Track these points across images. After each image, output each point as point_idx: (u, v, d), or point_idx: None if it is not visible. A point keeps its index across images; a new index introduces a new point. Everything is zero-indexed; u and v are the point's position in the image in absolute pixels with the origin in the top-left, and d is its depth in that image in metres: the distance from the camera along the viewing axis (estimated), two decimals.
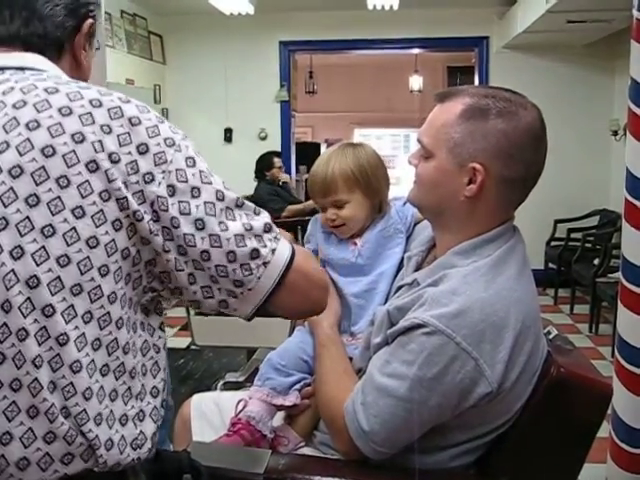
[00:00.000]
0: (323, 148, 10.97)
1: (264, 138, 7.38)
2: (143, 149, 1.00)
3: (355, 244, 1.66)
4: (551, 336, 1.52)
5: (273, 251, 1.07)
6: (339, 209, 1.64)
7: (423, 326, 1.26)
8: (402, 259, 1.60)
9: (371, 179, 1.64)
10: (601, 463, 2.88)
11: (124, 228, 0.99)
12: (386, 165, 1.74)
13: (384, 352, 1.35)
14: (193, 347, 4.28)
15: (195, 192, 1.02)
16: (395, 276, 1.60)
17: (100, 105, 1.01)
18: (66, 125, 0.97)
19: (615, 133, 6.37)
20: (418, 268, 1.49)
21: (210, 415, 1.75)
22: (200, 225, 1.02)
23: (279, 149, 7.13)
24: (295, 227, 5.82)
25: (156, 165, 1.00)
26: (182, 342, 4.72)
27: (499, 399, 1.28)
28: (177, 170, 1.02)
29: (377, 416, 1.30)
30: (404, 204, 1.67)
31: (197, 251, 1.02)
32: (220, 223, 1.03)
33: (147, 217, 0.99)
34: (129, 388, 1.04)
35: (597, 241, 5.94)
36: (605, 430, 2.73)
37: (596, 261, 5.39)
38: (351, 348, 1.56)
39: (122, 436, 1.03)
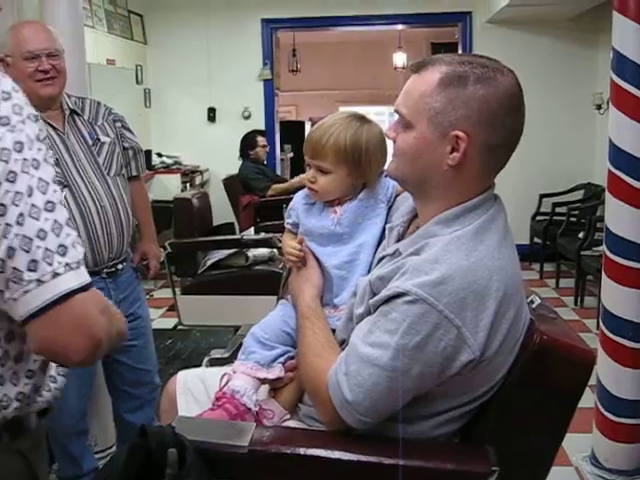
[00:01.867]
0: (307, 127, 10.94)
1: (248, 117, 7.33)
2: None
3: (335, 212, 1.65)
4: (534, 305, 1.52)
5: (55, 275, 0.95)
6: (320, 174, 1.63)
7: (405, 295, 1.25)
8: (384, 230, 1.60)
9: (362, 161, 1.62)
10: (587, 433, 2.92)
11: None
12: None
13: (366, 322, 1.35)
14: (180, 327, 4.28)
15: (10, 176, 0.95)
16: (377, 247, 1.60)
17: None
18: None
19: (599, 107, 6.37)
20: (400, 239, 1.49)
21: (195, 391, 1.74)
22: (0, 211, 0.94)
23: (263, 128, 7.10)
24: (280, 206, 5.81)
25: None
26: (169, 323, 4.71)
27: (482, 367, 1.28)
28: (2, 149, 0.95)
29: (360, 386, 1.30)
30: (385, 176, 1.66)
31: None
32: (19, 215, 0.94)
33: None
34: None
35: (582, 215, 5.96)
36: (590, 400, 2.76)
37: (581, 235, 5.42)
38: (334, 320, 1.56)
39: None
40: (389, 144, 1.50)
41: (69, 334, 0.97)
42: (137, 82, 6.93)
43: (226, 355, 2.01)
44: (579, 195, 6.68)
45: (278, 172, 7.50)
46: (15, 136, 0.97)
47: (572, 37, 6.81)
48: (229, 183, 6.23)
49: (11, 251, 0.94)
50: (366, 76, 11.41)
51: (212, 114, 7.36)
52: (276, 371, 1.60)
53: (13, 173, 0.95)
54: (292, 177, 7.54)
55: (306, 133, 10.63)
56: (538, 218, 6.74)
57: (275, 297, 3.64)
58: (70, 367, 1.20)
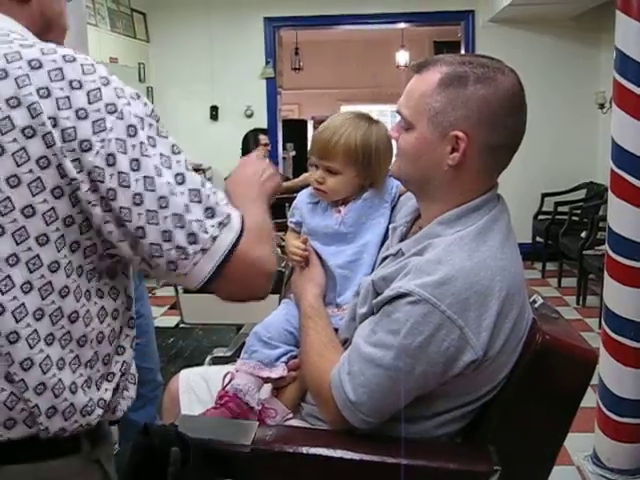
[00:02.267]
0: (310, 125, 10.93)
1: (250, 115, 7.34)
2: (82, 114, 0.95)
3: (339, 212, 1.65)
4: (537, 304, 1.52)
5: (214, 239, 1.01)
6: (329, 174, 1.63)
7: (408, 295, 1.26)
8: (387, 230, 1.60)
9: (372, 162, 1.62)
10: (589, 432, 2.92)
11: (66, 195, 0.96)
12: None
13: (369, 322, 1.35)
14: (182, 325, 4.28)
15: (134, 165, 0.97)
16: (380, 247, 1.60)
17: (40, 66, 0.95)
18: (1, 89, 0.93)
19: (602, 106, 6.37)
20: (403, 239, 1.49)
21: (198, 389, 1.75)
22: (138, 200, 0.97)
23: (266, 126, 7.10)
24: (282, 204, 5.80)
25: (94, 133, 0.95)
26: (171, 321, 4.71)
27: (484, 367, 1.28)
28: (116, 139, 0.96)
29: (363, 386, 1.30)
30: (389, 176, 1.66)
31: (133, 226, 0.98)
32: (160, 198, 0.98)
33: (85, 186, 0.96)
34: (77, 356, 1.02)
35: (584, 214, 5.96)
36: (592, 400, 2.76)
37: (583, 234, 5.42)
38: (337, 319, 1.56)
39: (71, 404, 1.01)
40: (393, 144, 1.50)
41: (248, 281, 1.08)
42: (140, 80, 6.93)
43: (229, 354, 2.02)
44: (581, 194, 6.68)
45: (280, 171, 7.50)
46: (125, 122, 0.97)
47: (575, 36, 6.80)
48: None
49: (167, 234, 0.98)
50: (368, 75, 11.40)
51: (214, 112, 7.37)
52: (279, 370, 1.60)
53: (136, 161, 0.97)
54: (294, 176, 7.52)
55: (309, 132, 10.64)
56: (540, 217, 6.73)
57: (277, 296, 3.64)
58: None
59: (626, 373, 2.73)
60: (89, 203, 0.97)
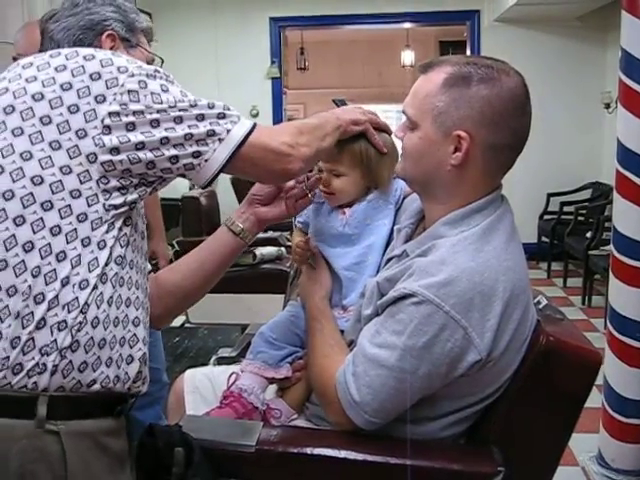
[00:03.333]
0: None
1: (255, 115, 7.33)
2: (95, 77, 1.18)
3: (344, 213, 1.65)
4: (541, 306, 1.52)
5: (228, 131, 1.25)
6: (334, 177, 1.63)
7: (412, 296, 1.26)
8: (392, 232, 1.60)
9: (379, 165, 1.62)
10: (594, 433, 2.91)
11: (63, 149, 1.15)
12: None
13: (374, 323, 1.36)
14: (187, 325, 4.29)
15: (148, 110, 1.19)
16: (385, 249, 1.60)
17: (59, 54, 1.23)
18: (58, 78, 1.18)
19: (607, 106, 6.35)
20: (408, 240, 1.49)
21: (203, 389, 1.75)
22: (155, 124, 1.19)
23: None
24: None
25: (108, 88, 1.17)
26: (176, 320, 4.72)
27: (488, 368, 1.29)
28: (129, 91, 1.18)
29: (368, 386, 1.30)
30: (394, 177, 1.66)
31: (157, 138, 1.19)
32: (175, 118, 1.21)
33: (94, 132, 1.16)
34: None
35: (590, 214, 5.95)
36: (597, 400, 2.76)
37: (589, 234, 5.41)
38: (342, 321, 1.56)
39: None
40: (398, 145, 1.50)
41: (265, 164, 1.32)
42: None
43: (234, 354, 2.03)
44: (587, 194, 6.67)
45: None
46: (137, 79, 1.20)
47: (580, 36, 6.79)
48: (237, 182, 6.23)
49: (189, 135, 1.22)
50: (374, 74, 11.40)
51: None
52: (284, 371, 1.60)
53: (148, 107, 1.19)
54: None
55: None
56: (546, 217, 6.73)
57: (282, 296, 3.65)
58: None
59: (631, 374, 2.73)
60: (96, 145, 1.16)
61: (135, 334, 1.23)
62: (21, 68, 1.24)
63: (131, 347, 1.23)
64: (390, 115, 11.52)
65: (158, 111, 1.19)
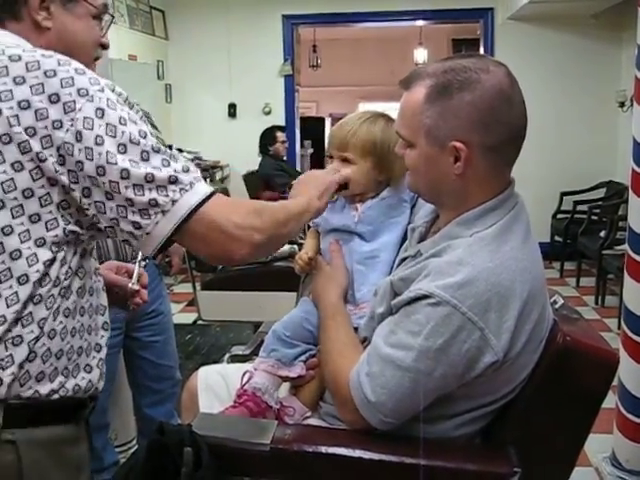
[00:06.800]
0: (328, 123, 10.92)
1: (268, 113, 7.35)
2: (54, 99, 1.08)
3: (356, 209, 1.65)
4: (557, 305, 1.51)
5: (173, 202, 1.12)
6: (344, 165, 1.63)
7: (429, 297, 1.25)
8: (406, 231, 1.59)
9: (389, 156, 1.62)
10: (608, 434, 2.90)
11: (26, 170, 1.08)
12: None
13: (388, 322, 1.35)
14: (200, 322, 4.30)
15: (99, 140, 1.08)
16: (399, 248, 1.60)
17: (19, 59, 1.10)
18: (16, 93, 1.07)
19: (622, 104, 6.31)
20: (422, 240, 1.49)
21: (216, 387, 1.75)
22: (101, 172, 1.09)
23: (283, 124, 7.10)
24: None
25: (65, 113, 1.08)
26: (189, 317, 4.73)
27: (505, 368, 1.28)
28: (85, 118, 1.08)
29: (383, 387, 1.30)
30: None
31: (101, 191, 1.10)
32: (122, 170, 1.09)
33: (52, 159, 1.08)
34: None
35: (603, 213, 5.92)
36: (611, 401, 2.74)
37: (602, 233, 5.38)
38: (355, 318, 1.56)
39: None
40: None
41: (213, 243, 1.17)
42: (158, 77, 6.96)
43: (247, 352, 2.02)
44: (601, 193, 6.63)
45: (298, 168, 7.50)
46: (95, 105, 1.10)
47: (595, 34, 6.75)
48: (249, 179, 6.24)
49: (129, 201, 1.10)
50: (386, 72, 11.34)
51: (232, 110, 7.38)
52: (297, 369, 1.60)
53: (100, 137, 1.09)
54: None
55: (326, 129, 10.63)
56: (559, 216, 6.70)
57: (295, 294, 3.64)
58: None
59: None
60: (57, 172, 1.09)
61: (89, 342, 1.23)
62: None
63: (87, 355, 1.22)
64: None
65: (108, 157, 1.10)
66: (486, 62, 1.33)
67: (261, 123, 6.85)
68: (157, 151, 1.13)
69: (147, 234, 1.12)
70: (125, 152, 1.10)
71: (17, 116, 1.07)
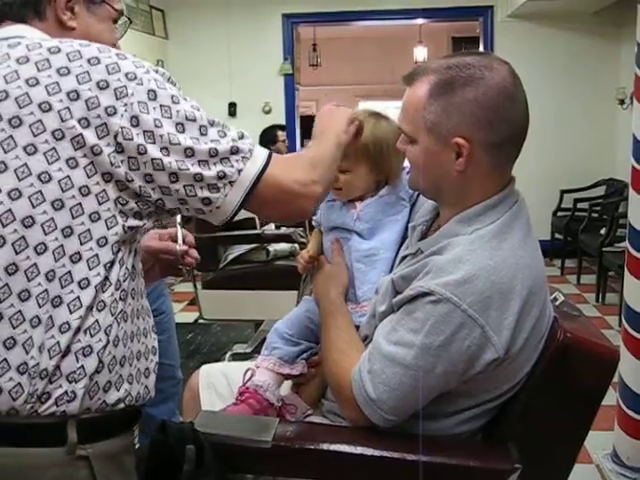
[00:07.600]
0: None
1: (268, 112, 7.35)
2: (103, 85, 1.07)
3: (355, 208, 1.65)
4: (558, 302, 1.52)
5: (239, 171, 1.15)
6: (342, 173, 1.62)
7: (429, 294, 1.26)
8: (406, 229, 1.60)
9: (383, 156, 1.61)
10: (608, 431, 2.90)
11: (80, 167, 1.06)
12: None
13: (390, 320, 1.36)
14: (201, 321, 4.30)
15: (157, 123, 1.09)
16: (400, 246, 1.60)
17: (59, 51, 1.09)
18: (21, 72, 1.06)
19: (622, 102, 6.32)
20: (422, 238, 1.49)
21: (218, 385, 1.76)
22: (165, 153, 1.09)
23: (284, 123, 7.10)
24: None
25: (117, 99, 1.07)
26: (190, 316, 4.74)
27: (506, 365, 1.28)
28: (139, 102, 1.08)
29: (385, 384, 1.30)
30: (408, 173, 1.66)
31: (166, 174, 1.10)
32: (187, 149, 1.10)
33: (108, 150, 1.06)
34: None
35: (604, 211, 5.93)
36: (612, 398, 2.75)
37: (603, 231, 5.38)
38: (356, 316, 1.56)
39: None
40: None
41: (280, 204, 1.24)
42: None
43: (249, 350, 2.03)
44: (601, 191, 6.64)
45: None
46: (146, 87, 1.10)
47: (595, 31, 6.75)
48: None
49: (197, 176, 1.12)
50: (386, 71, 11.35)
51: (233, 109, 7.38)
52: (299, 367, 1.60)
53: (158, 120, 1.09)
54: None
55: None
56: (559, 214, 6.70)
57: (295, 292, 3.65)
58: None
59: None
60: (112, 165, 1.07)
61: (147, 345, 1.23)
62: (16, 63, 1.08)
63: (146, 359, 1.22)
64: None
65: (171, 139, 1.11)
66: (490, 60, 1.33)
67: (261, 122, 6.84)
68: (212, 124, 1.15)
69: (217, 208, 1.15)
70: (184, 131, 1.11)
71: (68, 108, 1.05)
